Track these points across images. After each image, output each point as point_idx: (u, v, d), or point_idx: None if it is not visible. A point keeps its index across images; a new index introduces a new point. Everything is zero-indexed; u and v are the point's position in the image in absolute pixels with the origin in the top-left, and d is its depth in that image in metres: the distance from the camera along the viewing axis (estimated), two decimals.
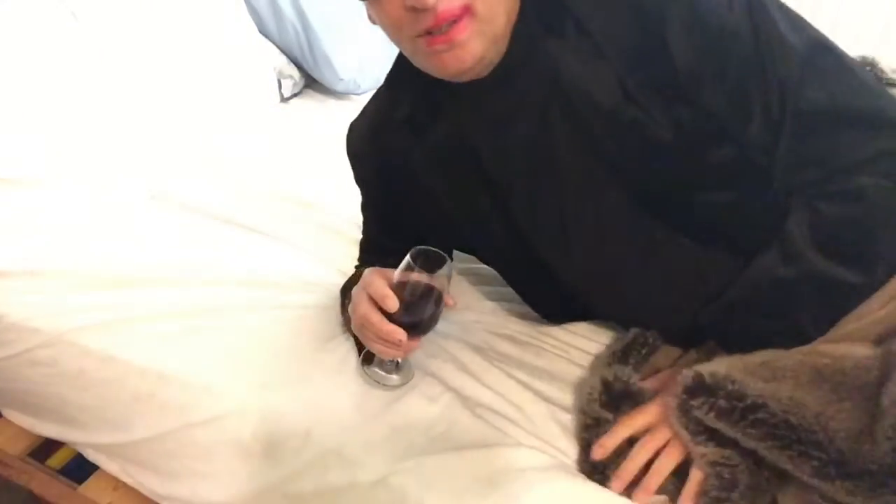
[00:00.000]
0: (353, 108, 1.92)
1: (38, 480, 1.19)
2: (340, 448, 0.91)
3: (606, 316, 1.03)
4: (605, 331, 1.05)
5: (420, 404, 0.93)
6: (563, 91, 0.82)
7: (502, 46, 0.81)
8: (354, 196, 1.09)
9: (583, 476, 0.84)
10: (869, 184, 0.75)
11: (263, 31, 1.84)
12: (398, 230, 1.03)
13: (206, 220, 1.34)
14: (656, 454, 0.80)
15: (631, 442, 0.82)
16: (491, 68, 0.82)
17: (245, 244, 1.28)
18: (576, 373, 0.98)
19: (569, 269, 0.94)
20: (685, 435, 0.76)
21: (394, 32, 0.79)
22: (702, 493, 0.75)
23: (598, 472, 0.83)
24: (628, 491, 0.81)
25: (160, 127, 1.54)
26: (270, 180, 1.50)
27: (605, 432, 0.84)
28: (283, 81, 1.84)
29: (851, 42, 0.93)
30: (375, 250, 1.08)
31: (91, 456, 1.12)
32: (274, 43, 1.85)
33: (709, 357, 0.84)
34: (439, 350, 1.02)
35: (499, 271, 1.05)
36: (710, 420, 0.72)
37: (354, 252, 1.14)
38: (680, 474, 0.79)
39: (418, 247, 0.88)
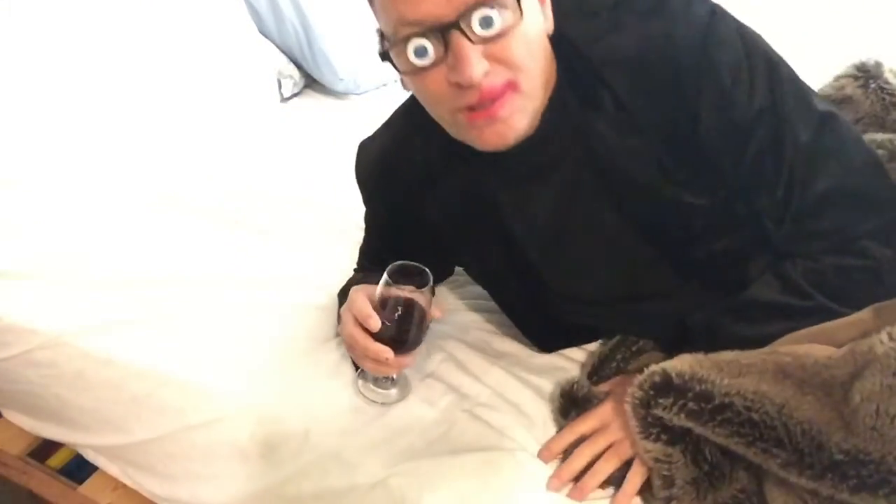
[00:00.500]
0: (353, 108, 1.92)
1: (38, 480, 1.19)
2: (339, 450, 0.91)
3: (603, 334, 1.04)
4: None
5: (418, 406, 0.94)
6: (596, 161, 0.82)
7: (539, 116, 0.80)
8: (354, 196, 1.09)
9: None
10: (871, 246, 0.79)
11: (263, 31, 1.84)
12: (400, 249, 1.01)
13: (206, 219, 1.34)
14: (599, 456, 0.83)
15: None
16: (524, 136, 0.81)
17: (244, 244, 1.28)
18: (574, 370, 0.98)
19: (578, 309, 0.96)
20: (635, 426, 0.77)
21: (433, 105, 0.78)
22: (645, 487, 0.80)
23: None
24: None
25: (160, 127, 1.54)
26: (270, 180, 1.50)
27: None
28: (283, 81, 1.84)
29: (858, 46, 0.94)
30: (376, 260, 1.06)
31: (91, 457, 1.12)
32: (274, 43, 1.85)
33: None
34: (437, 349, 1.02)
35: (495, 299, 1.03)
36: (679, 420, 0.74)
37: (355, 252, 1.13)
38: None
39: (395, 263, 0.88)
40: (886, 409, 0.67)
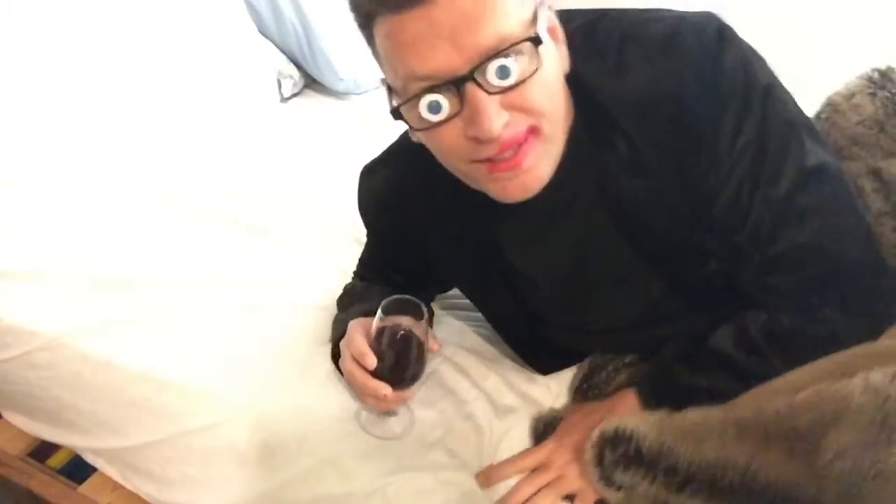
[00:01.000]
0: (352, 108, 1.92)
1: (38, 480, 1.19)
2: (336, 457, 0.91)
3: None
4: None
5: (416, 412, 0.94)
6: (609, 201, 0.80)
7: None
8: (355, 197, 1.09)
9: None
10: (833, 315, 0.78)
11: (263, 31, 1.84)
12: (401, 267, 1.02)
13: (205, 220, 1.34)
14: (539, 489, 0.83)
15: None
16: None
17: (244, 245, 1.28)
18: (570, 375, 0.98)
19: (581, 338, 0.97)
20: (598, 486, 0.79)
21: (448, 159, 0.74)
22: None
23: None
24: None
25: (160, 127, 1.53)
26: (270, 180, 1.50)
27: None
28: (282, 81, 1.83)
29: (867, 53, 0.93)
30: (377, 272, 1.06)
31: (90, 459, 1.12)
32: (274, 43, 1.84)
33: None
34: (435, 353, 1.01)
35: (493, 325, 1.02)
36: (647, 487, 0.75)
37: (354, 252, 1.12)
38: None
39: (389, 298, 0.86)
40: (861, 467, 0.64)
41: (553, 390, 0.97)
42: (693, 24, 0.75)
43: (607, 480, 0.77)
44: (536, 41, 0.67)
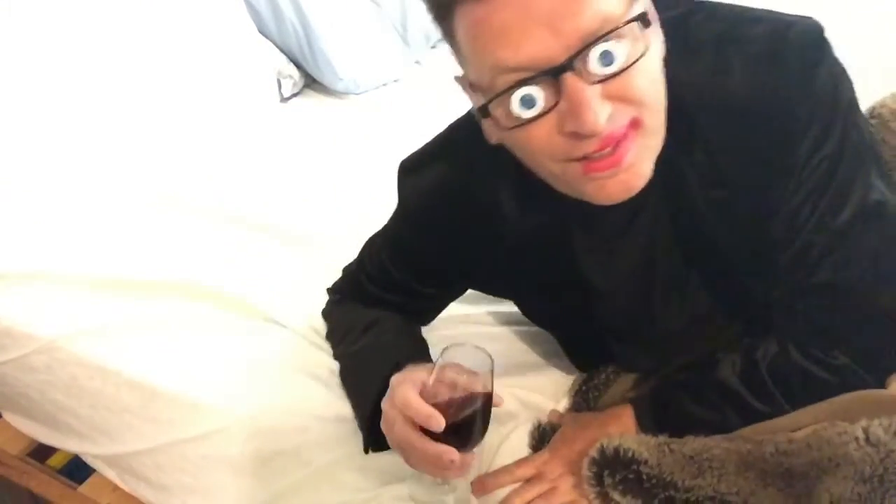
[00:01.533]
0: (353, 108, 1.91)
1: (38, 480, 1.19)
2: (331, 467, 0.91)
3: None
4: None
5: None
6: (676, 210, 0.76)
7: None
8: (354, 196, 1.08)
9: None
10: (851, 367, 0.75)
11: (263, 31, 1.83)
12: (434, 280, 0.93)
13: (205, 220, 1.34)
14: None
15: None
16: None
17: (243, 246, 1.28)
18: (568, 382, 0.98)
19: (634, 347, 0.92)
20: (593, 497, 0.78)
21: (538, 157, 0.66)
22: None
23: None
24: None
25: (160, 127, 1.53)
26: (270, 180, 1.50)
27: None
28: (282, 81, 1.83)
29: None
30: (392, 287, 0.95)
31: (90, 461, 1.12)
32: (274, 43, 1.84)
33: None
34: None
35: (544, 327, 0.97)
36: None
37: (355, 253, 1.04)
38: None
39: (451, 345, 0.74)
40: None
41: (553, 393, 0.97)
42: (801, 32, 0.69)
43: (604, 499, 0.77)
44: (645, 21, 0.61)
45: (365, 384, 0.87)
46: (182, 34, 1.61)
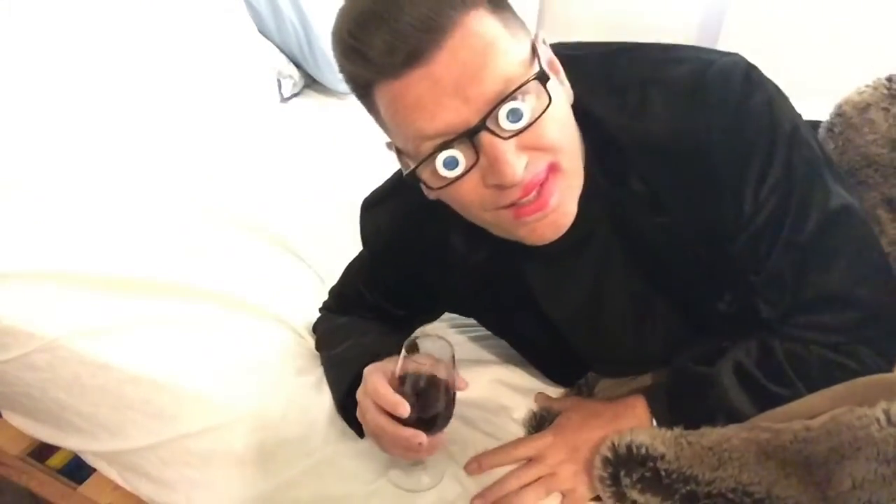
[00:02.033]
0: (352, 108, 1.90)
1: (38, 480, 1.19)
2: (334, 457, 0.91)
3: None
4: None
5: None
6: (625, 236, 0.79)
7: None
8: (354, 196, 1.08)
9: None
10: (864, 352, 0.77)
11: (263, 31, 1.83)
12: (405, 303, 0.99)
13: (205, 220, 1.34)
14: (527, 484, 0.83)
15: None
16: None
17: (244, 245, 1.28)
18: None
19: (602, 366, 0.96)
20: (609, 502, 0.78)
21: (471, 210, 0.72)
22: None
23: None
24: None
25: (160, 127, 1.53)
26: (270, 180, 1.50)
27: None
28: (282, 81, 1.83)
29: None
30: (368, 308, 1.01)
31: (90, 460, 1.12)
32: (274, 43, 1.84)
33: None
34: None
35: (512, 345, 1.00)
36: None
37: (355, 253, 1.06)
38: None
39: (411, 337, 0.81)
40: (879, 500, 0.64)
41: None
42: (720, 70, 0.73)
43: (620, 498, 0.76)
44: (543, 78, 0.66)
45: (342, 376, 0.92)
46: (182, 34, 1.61)
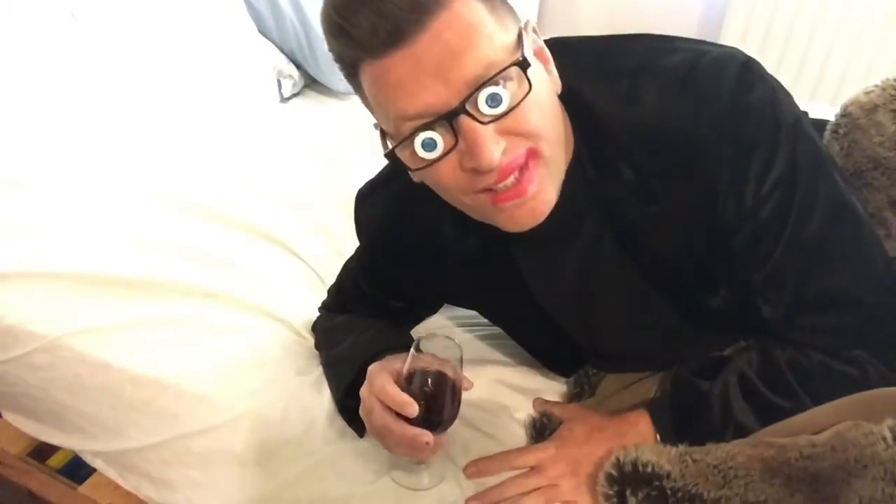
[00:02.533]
0: (353, 108, 1.90)
1: (38, 480, 1.19)
2: (335, 457, 0.91)
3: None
4: None
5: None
6: (616, 225, 0.79)
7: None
8: (353, 197, 1.08)
9: None
10: (866, 358, 0.76)
11: (263, 31, 1.83)
12: (403, 295, 0.99)
13: (205, 220, 1.34)
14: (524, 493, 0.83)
15: None
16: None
17: (243, 245, 1.28)
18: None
19: (600, 358, 0.96)
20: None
21: (450, 193, 0.72)
22: None
23: None
24: None
25: (160, 127, 1.53)
26: (270, 180, 1.50)
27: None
28: (282, 81, 1.83)
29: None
30: (368, 303, 1.01)
31: (90, 460, 1.12)
32: (274, 43, 1.84)
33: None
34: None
35: (509, 333, 1.00)
36: None
37: (352, 252, 1.07)
38: None
39: (420, 337, 0.81)
40: None
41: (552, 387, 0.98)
42: (713, 60, 0.73)
43: None
44: (524, 65, 0.66)
45: (341, 376, 0.92)
46: (182, 34, 1.61)
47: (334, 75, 1.83)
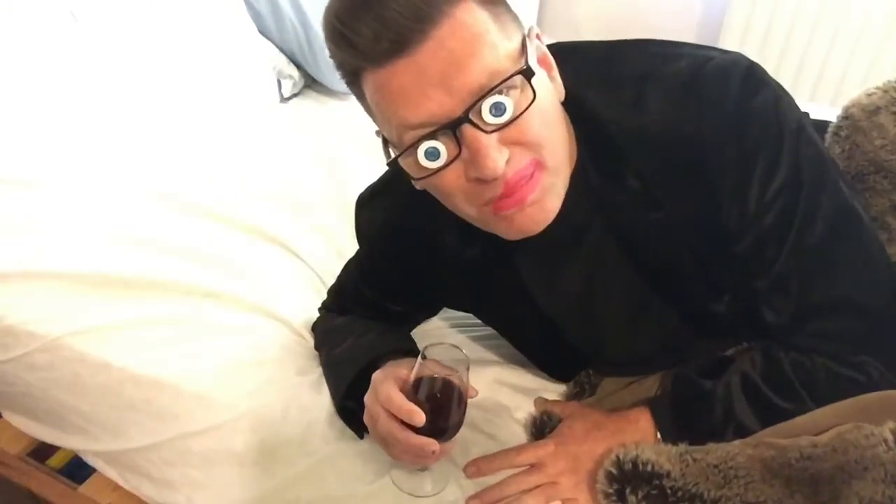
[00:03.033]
0: (353, 108, 1.91)
1: (38, 480, 1.19)
2: (335, 457, 0.91)
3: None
4: None
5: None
6: (619, 232, 0.79)
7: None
8: (353, 197, 1.09)
9: None
10: (872, 363, 0.76)
11: (263, 31, 1.83)
12: (402, 299, 0.99)
13: (205, 220, 1.34)
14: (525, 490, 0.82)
15: None
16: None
17: (243, 246, 1.28)
18: None
19: (600, 363, 0.96)
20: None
21: (453, 203, 0.71)
22: None
23: None
24: None
25: (160, 127, 1.53)
26: (270, 180, 1.50)
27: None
28: (282, 81, 1.83)
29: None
30: (367, 305, 1.01)
31: (90, 459, 1.12)
32: (274, 43, 1.84)
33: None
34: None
35: (509, 340, 1.00)
36: None
37: (353, 252, 1.08)
38: None
39: (428, 345, 0.81)
40: None
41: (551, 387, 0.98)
42: (718, 66, 0.73)
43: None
44: (528, 73, 0.65)
45: (341, 377, 0.93)
46: (182, 34, 1.61)
47: (334, 75, 1.78)
